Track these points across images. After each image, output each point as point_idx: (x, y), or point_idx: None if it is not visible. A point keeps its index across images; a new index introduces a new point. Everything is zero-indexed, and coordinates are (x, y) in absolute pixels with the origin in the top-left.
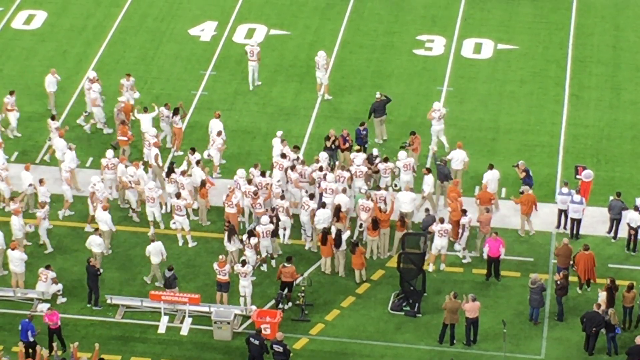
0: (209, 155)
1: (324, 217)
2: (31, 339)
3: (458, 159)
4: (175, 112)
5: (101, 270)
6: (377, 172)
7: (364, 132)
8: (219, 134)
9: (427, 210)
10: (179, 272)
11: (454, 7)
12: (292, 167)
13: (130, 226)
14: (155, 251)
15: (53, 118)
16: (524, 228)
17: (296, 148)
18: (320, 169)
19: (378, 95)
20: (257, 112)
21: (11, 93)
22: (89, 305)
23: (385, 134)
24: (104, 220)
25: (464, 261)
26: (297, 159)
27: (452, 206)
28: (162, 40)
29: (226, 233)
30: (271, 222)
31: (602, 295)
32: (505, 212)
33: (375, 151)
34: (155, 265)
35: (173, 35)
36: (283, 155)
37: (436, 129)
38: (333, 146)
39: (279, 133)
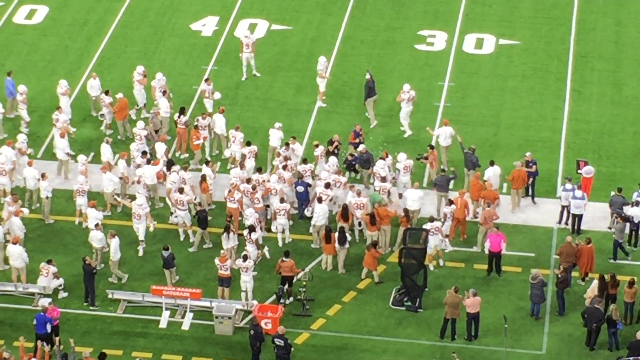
0: (231, 153)
1: (322, 212)
2: (49, 330)
3: (446, 135)
4: (181, 111)
5: (97, 268)
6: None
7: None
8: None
9: (442, 170)
10: (181, 267)
11: (455, 3)
12: (285, 167)
13: (132, 221)
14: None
15: (107, 93)
16: (514, 203)
17: (287, 145)
18: (305, 161)
19: (368, 76)
20: (259, 107)
21: (58, 109)
22: (85, 304)
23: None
24: (93, 216)
25: (446, 250)
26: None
27: (459, 202)
28: (163, 35)
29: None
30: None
31: (595, 283)
32: (507, 207)
33: (361, 147)
34: (114, 262)
35: (175, 30)
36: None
37: (405, 110)
38: (336, 151)
39: (277, 125)
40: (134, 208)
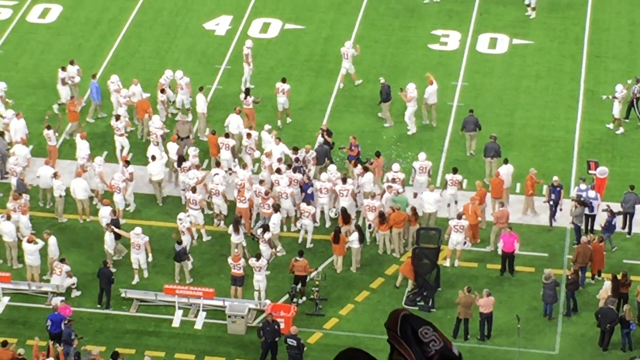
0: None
1: (276, 221)
2: (62, 328)
3: (433, 92)
4: (247, 92)
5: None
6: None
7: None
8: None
9: (471, 110)
10: (193, 266)
11: (469, 2)
12: (295, 169)
13: (143, 220)
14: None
15: (163, 91)
16: (527, 210)
17: (296, 149)
18: (303, 169)
19: (382, 80)
20: (272, 106)
21: (117, 118)
22: (99, 306)
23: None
24: (105, 216)
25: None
26: (297, 159)
27: (470, 208)
28: (177, 34)
29: (231, 225)
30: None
31: (607, 284)
32: (519, 207)
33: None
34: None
35: (188, 30)
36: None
37: (411, 110)
38: (321, 139)
39: (267, 126)
40: (132, 238)
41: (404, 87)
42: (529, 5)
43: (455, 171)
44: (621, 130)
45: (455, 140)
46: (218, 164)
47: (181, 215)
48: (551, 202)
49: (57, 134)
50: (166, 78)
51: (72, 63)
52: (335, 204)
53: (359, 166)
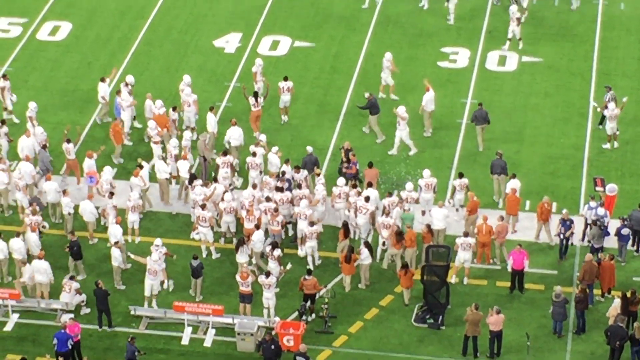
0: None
1: (257, 238)
2: (69, 347)
3: (430, 99)
4: (255, 95)
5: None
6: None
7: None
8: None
9: (480, 104)
10: (203, 283)
11: (478, 20)
12: (299, 186)
13: (152, 237)
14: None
15: (174, 109)
16: (538, 236)
17: (298, 168)
18: (299, 186)
19: (367, 94)
20: (281, 123)
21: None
22: (100, 330)
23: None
24: (113, 233)
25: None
26: (283, 173)
27: (484, 228)
28: (186, 52)
29: (235, 244)
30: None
31: (617, 302)
32: (527, 224)
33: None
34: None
35: (198, 47)
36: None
37: (406, 132)
38: (344, 158)
39: (274, 149)
40: (148, 264)
41: (396, 107)
42: (513, 40)
43: (461, 176)
44: (608, 145)
45: (464, 156)
46: (215, 180)
47: (157, 241)
48: (561, 236)
49: (75, 148)
50: (184, 84)
51: (102, 80)
52: (356, 215)
53: (358, 189)
